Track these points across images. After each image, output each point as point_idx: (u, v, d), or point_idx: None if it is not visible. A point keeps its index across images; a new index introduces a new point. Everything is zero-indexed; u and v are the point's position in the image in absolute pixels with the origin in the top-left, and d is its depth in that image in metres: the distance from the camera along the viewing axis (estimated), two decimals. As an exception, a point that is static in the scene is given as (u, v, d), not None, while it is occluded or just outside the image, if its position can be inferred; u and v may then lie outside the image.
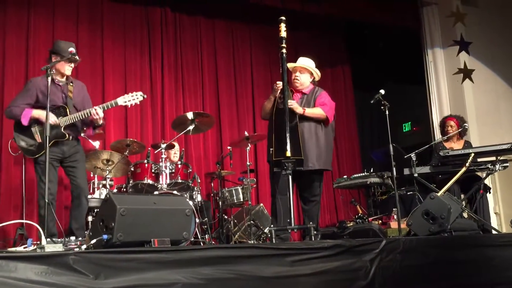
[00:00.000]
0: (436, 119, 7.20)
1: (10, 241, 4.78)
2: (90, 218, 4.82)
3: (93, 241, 2.63)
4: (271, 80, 7.25)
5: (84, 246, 2.74)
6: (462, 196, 5.05)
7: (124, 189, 5.25)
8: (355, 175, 6.19)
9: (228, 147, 5.86)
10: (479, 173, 5.22)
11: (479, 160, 4.97)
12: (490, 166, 4.81)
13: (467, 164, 4.56)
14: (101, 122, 4.16)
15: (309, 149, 4.21)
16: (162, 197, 3.62)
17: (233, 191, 5.78)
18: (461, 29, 7.32)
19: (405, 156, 4.90)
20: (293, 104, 4.17)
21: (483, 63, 7.42)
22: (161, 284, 2.36)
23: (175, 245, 2.83)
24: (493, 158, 4.84)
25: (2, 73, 5.76)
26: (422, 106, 7.65)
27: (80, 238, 3.77)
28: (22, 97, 4.10)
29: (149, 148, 5.38)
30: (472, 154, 4.65)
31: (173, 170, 5.20)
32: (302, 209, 4.49)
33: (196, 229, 4.81)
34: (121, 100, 4.13)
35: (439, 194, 4.04)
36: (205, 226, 5.21)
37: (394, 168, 4.32)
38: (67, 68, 4.11)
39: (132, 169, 5.16)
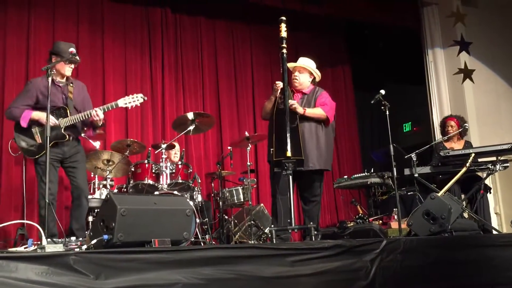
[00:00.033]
0: (436, 119, 7.20)
1: (10, 241, 4.78)
2: (90, 218, 4.82)
3: (94, 241, 2.63)
4: (272, 80, 7.24)
5: (84, 246, 2.74)
6: (463, 196, 5.05)
7: (125, 189, 5.25)
8: (355, 175, 6.19)
9: (229, 147, 5.86)
10: (479, 173, 5.22)
11: (479, 160, 4.98)
12: (490, 166, 4.81)
13: (467, 164, 4.55)
14: (101, 123, 4.16)
15: (310, 149, 4.21)
16: (163, 197, 3.63)
17: (234, 191, 5.78)
18: (461, 29, 7.32)
19: (406, 156, 4.90)
20: (294, 104, 4.17)
21: (484, 63, 7.42)
22: (162, 284, 2.36)
23: (175, 245, 2.83)
24: (494, 158, 4.84)
25: (2, 73, 5.76)
26: (422, 106, 7.65)
27: (80, 239, 3.77)
28: (22, 98, 4.10)
29: (150, 148, 5.38)
30: (473, 154, 4.65)
31: (174, 170, 5.20)
32: (303, 209, 4.49)
33: (197, 229, 4.81)
34: (122, 102, 4.13)
35: (439, 194, 4.04)
36: (206, 226, 5.21)
37: (394, 168, 4.32)
38: (67, 69, 4.11)
39: (133, 169, 5.16)
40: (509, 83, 7.57)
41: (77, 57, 4.00)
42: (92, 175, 5.36)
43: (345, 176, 6.41)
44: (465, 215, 4.92)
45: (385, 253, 3.12)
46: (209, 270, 2.52)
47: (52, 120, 3.90)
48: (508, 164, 4.89)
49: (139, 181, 5.07)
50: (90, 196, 4.93)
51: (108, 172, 5.22)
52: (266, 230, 5.40)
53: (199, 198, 5.29)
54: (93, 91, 5.77)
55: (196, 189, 5.29)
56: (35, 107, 4.08)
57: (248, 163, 5.47)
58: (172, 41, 6.91)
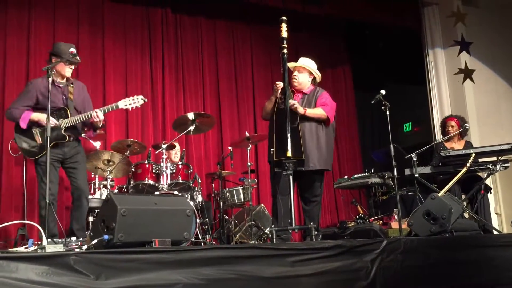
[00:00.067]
0: (436, 119, 7.20)
1: (11, 242, 4.78)
2: (91, 219, 4.83)
3: (94, 241, 2.64)
4: (272, 81, 7.23)
5: (85, 247, 2.74)
6: (463, 196, 5.05)
7: (125, 190, 5.25)
8: (356, 176, 6.19)
9: (229, 148, 5.86)
10: (480, 173, 5.22)
11: (480, 160, 4.97)
12: (491, 166, 4.81)
13: (468, 165, 4.55)
14: (101, 124, 4.16)
15: (310, 149, 4.21)
16: (163, 198, 3.62)
17: (234, 192, 5.78)
18: (461, 29, 7.32)
19: (406, 157, 4.89)
20: (295, 104, 4.17)
21: (484, 63, 7.42)
22: (162, 284, 2.36)
23: (176, 245, 2.83)
24: (494, 158, 4.84)
25: (3, 73, 5.77)
26: (422, 106, 7.65)
27: (81, 239, 3.77)
28: (22, 99, 4.10)
29: (150, 149, 5.39)
30: (473, 155, 4.64)
31: (174, 171, 5.20)
32: (303, 210, 4.48)
33: (197, 229, 4.81)
34: (122, 104, 4.14)
35: (440, 194, 4.04)
36: (206, 227, 5.21)
37: (395, 169, 4.32)
38: (67, 70, 4.12)
39: (133, 169, 5.16)
40: (509, 83, 7.57)
41: (77, 58, 4.01)
42: (92, 175, 5.36)
43: (346, 176, 6.41)
44: (466, 215, 4.92)
45: (386, 253, 3.11)
46: (209, 270, 2.52)
47: (52, 121, 3.90)
48: (508, 164, 4.89)
49: (140, 181, 5.07)
50: (90, 196, 4.94)
51: (108, 172, 5.22)
52: (267, 230, 5.39)
53: (200, 198, 5.29)
54: (93, 91, 5.77)
55: (196, 189, 5.29)
56: (35, 108, 4.08)
57: (249, 163, 5.47)
58: (173, 42, 6.91)
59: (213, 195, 6.19)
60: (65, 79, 4.17)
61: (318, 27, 7.98)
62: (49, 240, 3.05)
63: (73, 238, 3.80)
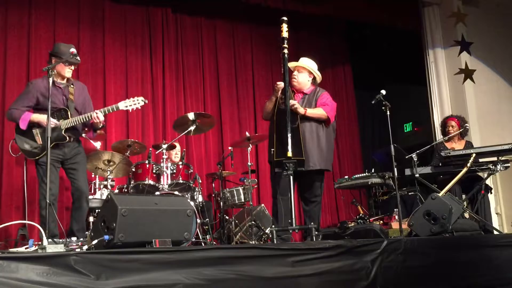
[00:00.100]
0: (437, 120, 7.20)
1: (11, 242, 4.78)
2: (91, 219, 4.83)
3: (95, 241, 2.64)
4: (272, 81, 7.25)
5: (85, 247, 2.74)
6: (464, 196, 5.05)
7: (125, 190, 5.25)
8: (356, 176, 6.18)
9: (229, 148, 5.86)
10: (480, 174, 5.21)
11: (480, 160, 4.97)
12: (491, 167, 4.80)
13: (468, 165, 4.55)
14: (101, 125, 4.17)
15: (310, 149, 4.21)
16: (163, 198, 3.61)
17: (234, 192, 5.79)
18: (462, 30, 7.32)
19: (406, 157, 4.89)
20: (295, 104, 4.16)
21: (484, 63, 7.42)
22: (163, 284, 2.37)
23: (176, 245, 2.83)
24: (495, 159, 4.84)
25: (3, 73, 5.77)
26: (423, 106, 7.65)
27: (81, 239, 3.77)
28: (22, 100, 4.10)
29: (150, 149, 5.39)
30: (474, 155, 4.64)
31: (174, 171, 5.20)
32: (303, 210, 4.48)
33: (197, 229, 4.81)
34: (122, 105, 4.15)
35: (440, 194, 4.03)
36: (206, 227, 5.21)
37: (395, 169, 4.32)
38: (67, 71, 4.12)
39: (133, 169, 5.16)
40: (510, 83, 7.56)
41: (78, 58, 4.01)
42: (93, 176, 5.36)
43: (346, 177, 6.40)
44: (466, 215, 4.91)
45: (386, 254, 3.12)
46: (210, 271, 2.52)
47: (53, 121, 3.90)
48: (509, 164, 4.88)
49: (140, 181, 5.07)
50: (91, 197, 4.94)
51: (109, 172, 5.22)
52: (267, 231, 5.39)
53: (200, 198, 5.29)
54: (94, 91, 5.78)
55: (196, 189, 5.29)
56: (36, 109, 4.09)
57: (249, 164, 5.47)
58: (173, 41, 6.91)
59: (213, 195, 6.19)
60: (65, 79, 4.17)
61: (318, 27, 7.98)
62: (49, 240, 3.04)
63: (74, 238, 3.79)
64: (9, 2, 5.93)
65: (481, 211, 4.99)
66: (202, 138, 6.81)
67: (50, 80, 3.45)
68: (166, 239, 2.76)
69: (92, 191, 5.24)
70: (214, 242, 5.15)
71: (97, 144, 5.33)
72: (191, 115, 5.21)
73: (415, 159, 4.83)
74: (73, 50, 3.96)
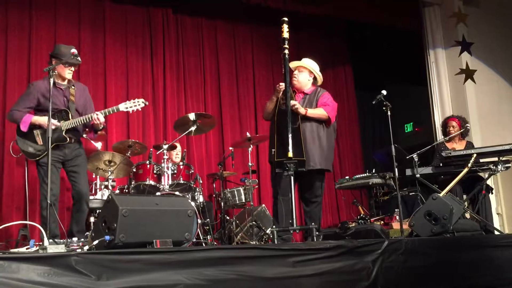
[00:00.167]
0: (438, 120, 7.19)
1: (12, 242, 4.78)
2: (92, 219, 4.83)
3: (95, 242, 2.64)
4: (273, 81, 7.26)
5: (86, 247, 2.74)
6: (464, 196, 5.04)
7: (126, 190, 5.25)
8: (357, 176, 6.18)
9: (230, 148, 5.86)
10: (481, 174, 5.21)
11: (481, 160, 4.96)
12: (492, 167, 4.79)
13: (469, 165, 4.55)
14: (102, 127, 4.18)
15: (311, 149, 4.21)
16: (164, 198, 3.61)
17: (235, 192, 5.79)
18: (463, 30, 7.31)
19: (407, 157, 4.89)
20: (296, 104, 4.16)
21: (485, 63, 7.41)
22: (163, 285, 2.37)
23: (177, 246, 2.83)
24: (495, 159, 4.83)
25: (4, 74, 5.77)
26: (424, 106, 7.65)
27: (82, 239, 3.78)
28: (23, 101, 4.12)
29: (151, 149, 5.39)
30: (474, 155, 4.64)
31: (175, 171, 5.20)
32: (304, 211, 4.47)
33: (198, 230, 4.81)
34: (123, 106, 4.18)
35: (441, 194, 4.03)
36: (207, 227, 5.21)
37: (396, 169, 4.32)
38: (68, 72, 4.13)
39: (134, 170, 5.17)
40: (510, 83, 7.56)
41: (78, 58, 4.02)
42: (93, 176, 5.36)
43: (347, 177, 6.40)
44: (467, 215, 4.91)
45: (387, 254, 3.12)
46: (210, 271, 2.52)
47: (53, 123, 3.91)
48: (510, 165, 4.88)
49: (141, 181, 5.07)
50: (91, 197, 4.95)
51: (109, 173, 5.23)
52: (268, 231, 5.39)
53: (201, 198, 5.29)
54: (94, 92, 5.78)
55: (197, 189, 5.29)
56: (37, 110, 4.10)
57: (250, 164, 5.47)
58: (174, 42, 6.91)
59: (214, 195, 6.20)
60: (66, 81, 4.18)
61: (318, 27, 7.98)
62: (50, 240, 3.05)
63: (75, 239, 3.80)
64: (9, 3, 5.93)
65: (482, 211, 4.99)
66: (203, 139, 6.81)
67: (51, 81, 3.45)
68: (167, 240, 2.76)
69: (93, 192, 5.24)
70: (215, 243, 5.15)
71: (98, 145, 5.33)
72: (191, 116, 5.21)
73: (416, 160, 4.83)
74: (73, 50, 3.97)
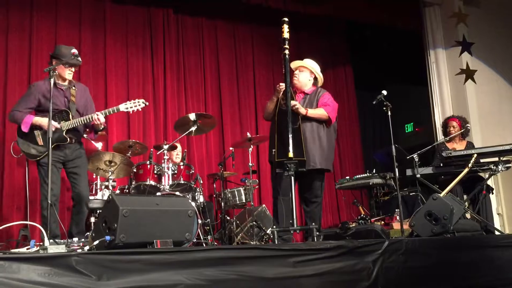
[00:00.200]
0: (438, 120, 7.19)
1: (13, 242, 4.78)
2: (92, 219, 4.83)
3: (96, 242, 2.64)
4: (274, 81, 7.26)
5: (87, 247, 2.74)
6: (465, 197, 5.04)
7: (127, 190, 5.25)
8: (357, 176, 6.18)
9: (230, 148, 5.87)
10: (481, 174, 5.21)
11: (481, 160, 4.96)
12: (492, 167, 4.79)
13: (469, 165, 4.55)
14: (102, 127, 4.19)
15: (311, 149, 4.21)
16: (165, 198, 3.61)
17: (235, 192, 5.79)
18: (463, 30, 7.31)
19: (408, 157, 4.89)
20: (296, 104, 4.17)
21: (486, 63, 7.41)
22: (164, 285, 2.37)
23: (177, 246, 2.83)
24: (496, 159, 4.83)
25: (4, 75, 5.78)
26: (424, 106, 7.65)
27: (83, 239, 3.78)
28: (24, 102, 4.13)
29: (152, 149, 5.39)
30: (475, 155, 4.64)
31: (176, 171, 5.20)
32: (304, 211, 4.48)
33: (199, 230, 4.81)
34: (123, 107, 4.19)
35: (441, 195, 4.03)
36: (208, 227, 5.21)
37: (396, 169, 4.32)
38: (68, 73, 4.14)
39: (135, 170, 5.17)
40: (511, 83, 7.56)
41: (79, 59, 4.03)
42: (94, 176, 5.36)
43: (347, 177, 6.40)
44: (467, 216, 4.91)
45: (387, 254, 3.11)
46: (211, 271, 2.52)
47: (54, 124, 3.91)
48: (510, 165, 4.88)
49: (141, 182, 5.07)
50: (92, 197, 4.96)
51: (110, 173, 5.23)
52: (268, 231, 5.39)
53: (201, 199, 5.29)
54: (95, 92, 5.78)
55: (198, 190, 5.29)
56: (38, 110, 4.12)
57: (250, 164, 5.47)
58: (174, 42, 6.92)
59: (214, 195, 6.20)
60: (67, 81, 4.19)
61: (318, 27, 7.98)
62: (51, 240, 3.05)
63: (75, 239, 3.81)
64: (10, 3, 5.94)
65: (483, 211, 4.99)
66: (203, 139, 6.81)
67: (51, 81, 3.46)
68: (167, 240, 2.76)
69: (94, 192, 5.25)
70: (215, 243, 5.15)
71: (99, 145, 5.34)
72: (192, 116, 5.21)
73: (416, 160, 4.83)
74: (74, 51, 3.99)
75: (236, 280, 2.56)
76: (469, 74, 7.20)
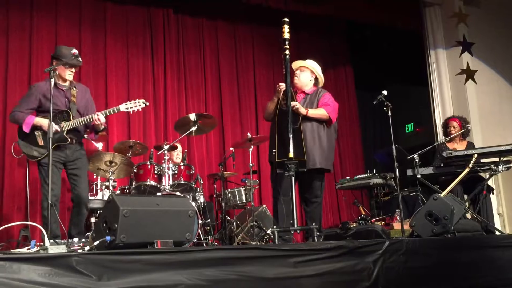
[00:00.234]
0: (439, 120, 7.19)
1: (13, 243, 4.79)
2: (93, 220, 4.83)
3: (96, 242, 2.64)
4: (274, 81, 7.26)
5: (87, 248, 2.74)
6: (465, 197, 5.04)
7: (127, 191, 5.25)
8: (358, 176, 6.18)
9: (231, 148, 5.87)
10: (482, 174, 5.21)
11: (482, 161, 4.96)
12: (493, 167, 4.79)
13: (470, 165, 4.55)
14: (102, 127, 4.19)
15: (311, 149, 4.21)
16: (165, 198, 3.61)
17: (236, 192, 5.79)
18: (463, 30, 7.31)
19: (408, 157, 4.89)
20: (297, 105, 4.16)
21: (486, 64, 7.41)
22: (164, 285, 2.37)
23: (178, 246, 2.83)
24: (496, 159, 4.83)
25: (5, 75, 5.78)
26: (424, 107, 7.65)
27: (83, 240, 3.78)
28: (25, 102, 4.14)
29: (152, 150, 5.39)
30: (475, 155, 4.64)
31: (176, 172, 5.21)
32: (304, 211, 4.48)
33: (199, 230, 4.81)
34: (123, 107, 4.19)
35: (442, 195, 4.03)
36: (208, 227, 5.21)
37: (397, 169, 4.32)
38: (68, 73, 4.14)
39: (135, 170, 5.17)
40: (511, 83, 7.56)
41: (79, 59, 4.03)
42: (94, 176, 5.37)
43: (348, 177, 6.41)
44: (468, 216, 4.91)
45: (388, 254, 3.11)
46: (211, 271, 2.52)
47: (54, 127, 3.92)
48: (511, 165, 4.88)
49: (142, 182, 5.08)
50: (92, 198, 4.96)
51: (110, 173, 5.23)
52: (269, 231, 5.39)
53: (202, 199, 5.30)
54: (95, 92, 5.78)
55: (198, 190, 5.29)
56: (38, 111, 4.13)
57: (250, 164, 5.47)
58: (174, 42, 6.92)
59: (215, 196, 6.20)
60: (67, 82, 4.19)
61: (318, 28, 7.98)
62: (51, 241, 3.05)
63: (76, 239, 3.81)
64: (10, 3, 5.94)
65: (483, 211, 4.99)
66: (204, 139, 6.81)
67: (52, 81, 3.46)
68: (167, 240, 2.76)
69: (94, 192, 5.25)
70: (216, 243, 5.15)
71: (99, 145, 5.34)
72: (192, 116, 5.21)
73: (417, 160, 4.83)
74: (74, 51, 3.99)
75: (237, 280, 2.56)
76: (469, 74, 7.20)
